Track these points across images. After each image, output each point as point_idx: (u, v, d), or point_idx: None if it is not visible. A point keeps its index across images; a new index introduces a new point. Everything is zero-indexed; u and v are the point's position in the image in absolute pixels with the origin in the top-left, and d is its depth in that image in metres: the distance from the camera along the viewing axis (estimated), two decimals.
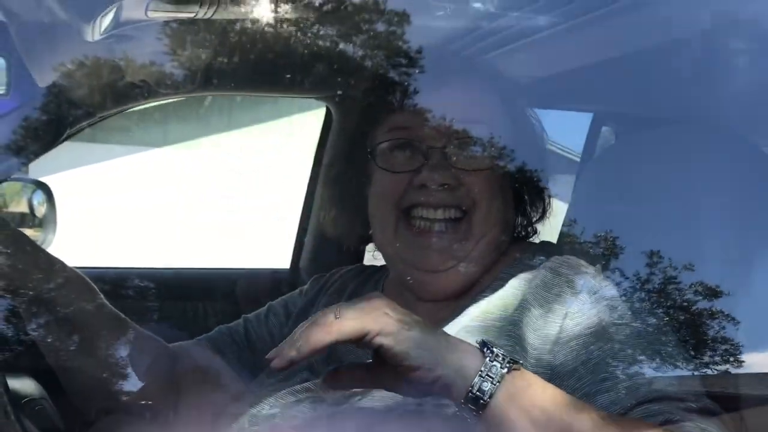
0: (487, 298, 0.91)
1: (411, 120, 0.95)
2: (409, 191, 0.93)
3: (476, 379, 0.72)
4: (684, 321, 0.73)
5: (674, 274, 0.72)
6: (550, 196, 1.03)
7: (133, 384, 0.94)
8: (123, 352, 0.94)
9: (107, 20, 0.91)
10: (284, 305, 1.10)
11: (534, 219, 1.02)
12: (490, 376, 0.72)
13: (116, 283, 1.02)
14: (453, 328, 0.87)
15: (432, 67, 0.98)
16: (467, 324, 0.89)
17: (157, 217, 5.02)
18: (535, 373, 0.78)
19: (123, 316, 0.96)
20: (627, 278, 0.85)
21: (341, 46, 0.79)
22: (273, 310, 1.10)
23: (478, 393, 0.72)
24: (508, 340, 0.85)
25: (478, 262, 0.93)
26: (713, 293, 0.70)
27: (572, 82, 1.36)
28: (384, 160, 0.96)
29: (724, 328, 0.71)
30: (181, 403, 0.98)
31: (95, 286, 0.94)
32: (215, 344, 1.06)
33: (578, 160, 1.57)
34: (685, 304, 0.72)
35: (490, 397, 0.72)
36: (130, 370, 0.95)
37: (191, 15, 0.95)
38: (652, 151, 1.11)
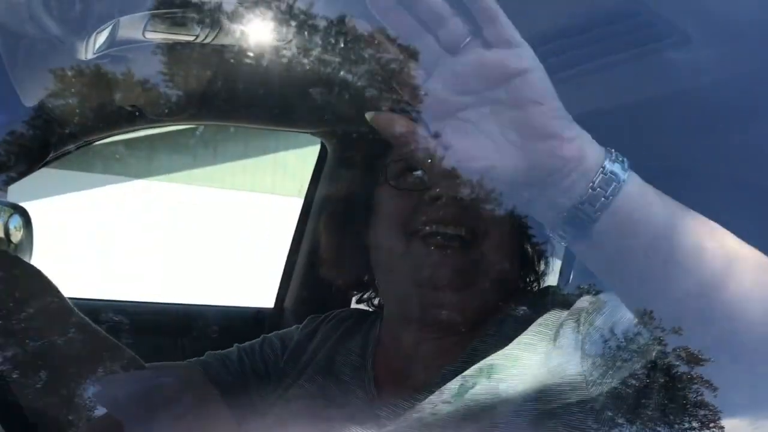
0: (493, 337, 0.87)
1: None
2: (420, 207, 0.90)
3: (607, 162, 0.61)
4: (664, 384, 0.69)
5: (661, 336, 0.68)
6: (553, 251, 0.98)
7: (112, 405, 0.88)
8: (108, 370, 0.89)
9: (102, 38, 0.86)
10: (280, 337, 1.07)
11: (539, 271, 0.99)
12: (619, 161, 0.61)
13: (91, 316, 0.97)
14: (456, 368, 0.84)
15: None
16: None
17: (138, 250, 4.94)
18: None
19: (104, 333, 0.92)
20: (614, 335, 0.81)
21: (349, 76, 0.75)
22: (268, 341, 1.07)
23: (610, 174, 0.60)
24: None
25: (487, 294, 0.89)
26: (695, 359, 0.67)
27: None
28: (396, 179, 0.93)
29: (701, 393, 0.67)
30: (164, 425, 0.92)
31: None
32: (206, 367, 1.01)
33: None
34: (666, 367, 0.68)
35: (623, 182, 0.60)
36: (110, 390, 0.89)
37: (191, 38, 0.91)
38: None
